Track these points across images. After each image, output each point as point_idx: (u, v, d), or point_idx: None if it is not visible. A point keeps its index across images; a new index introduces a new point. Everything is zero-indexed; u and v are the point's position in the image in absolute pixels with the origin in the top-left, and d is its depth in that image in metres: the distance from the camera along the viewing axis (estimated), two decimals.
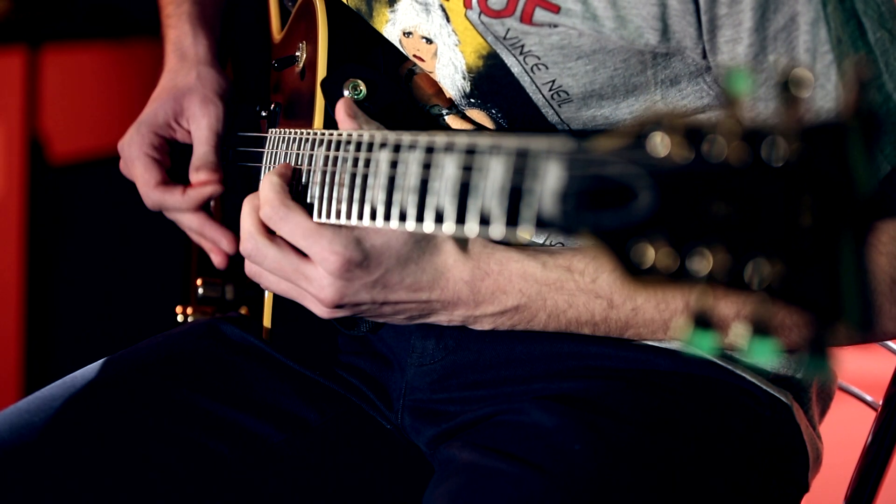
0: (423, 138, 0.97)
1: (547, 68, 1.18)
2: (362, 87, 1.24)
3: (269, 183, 1.19)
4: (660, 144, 0.69)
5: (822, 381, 1.38)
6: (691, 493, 1.19)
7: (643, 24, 1.11)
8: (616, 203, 0.70)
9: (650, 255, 0.68)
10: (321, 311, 1.17)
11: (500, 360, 1.30)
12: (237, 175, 1.48)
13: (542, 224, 0.78)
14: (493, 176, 0.84)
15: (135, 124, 1.47)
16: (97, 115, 3.03)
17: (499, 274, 1.17)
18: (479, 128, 1.29)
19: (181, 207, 1.42)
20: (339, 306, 1.16)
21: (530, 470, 1.13)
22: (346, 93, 1.23)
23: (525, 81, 1.20)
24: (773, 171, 0.65)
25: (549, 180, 0.77)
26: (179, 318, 1.59)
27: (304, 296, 1.18)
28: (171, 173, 1.46)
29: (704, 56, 1.14)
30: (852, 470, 1.48)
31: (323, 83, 1.25)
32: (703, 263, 0.67)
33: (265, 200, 1.18)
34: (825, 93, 1.09)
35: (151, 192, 1.43)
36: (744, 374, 1.27)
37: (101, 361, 1.35)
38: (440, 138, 0.94)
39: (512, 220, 0.82)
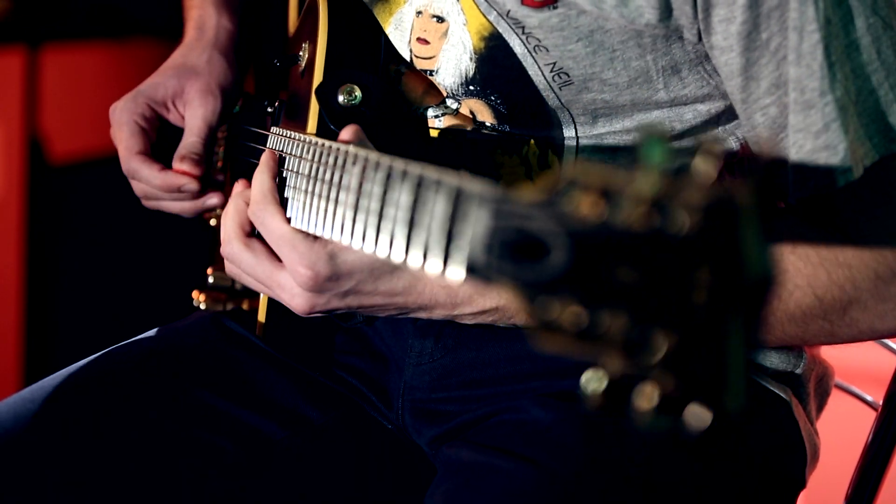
0: (384, 160, 0.98)
1: (548, 51, 1.18)
2: (357, 92, 1.24)
3: (257, 181, 1.22)
4: (575, 203, 0.69)
5: (819, 376, 1.38)
6: (687, 488, 1.19)
7: (644, 3, 1.11)
8: (533, 257, 0.70)
9: (556, 312, 0.68)
10: (296, 313, 1.20)
11: (499, 358, 1.30)
12: (241, 167, 1.48)
13: (471, 269, 0.79)
14: (436, 212, 0.85)
15: (132, 92, 1.46)
16: (97, 115, 3.01)
17: None
18: (476, 124, 1.28)
19: (152, 184, 1.42)
20: (311, 313, 1.18)
21: (524, 464, 1.14)
22: (341, 98, 1.24)
23: (528, 63, 1.20)
24: (672, 242, 0.65)
25: (478, 226, 0.78)
26: (195, 303, 1.60)
27: (279, 299, 1.20)
28: (155, 149, 1.46)
29: (700, 39, 1.14)
30: (852, 469, 1.48)
31: (318, 89, 1.25)
32: (604, 327, 0.67)
33: (252, 198, 1.21)
34: (810, 72, 1.08)
35: (131, 157, 1.43)
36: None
37: (104, 352, 1.36)
38: (398, 164, 0.95)
39: (446, 259, 0.83)
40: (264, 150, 1.36)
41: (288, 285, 1.17)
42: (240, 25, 1.56)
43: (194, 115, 1.44)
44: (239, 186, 1.28)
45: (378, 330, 1.40)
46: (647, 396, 0.66)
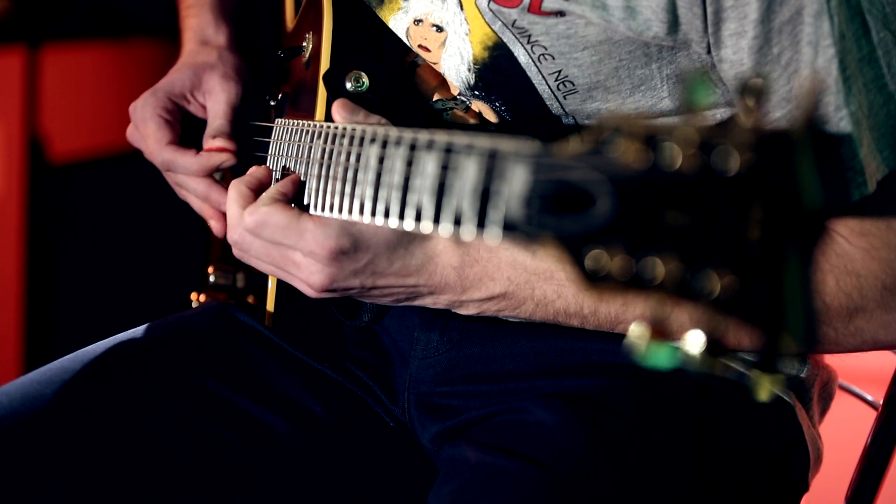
0: (407, 135, 0.97)
1: (553, 59, 1.18)
2: (365, 78, 1.24)
3: (236, 189, 1.21)
4: (620, 151, 0.68)
5: (823, 381, 1.38)
6: (692, 491, 1.19)
7: (652, 17, 1.11)
8: (576, 208, 0.69)
9: (605, 261, 0.68)
10: (310, 294, 1.19)
11: (503, 354, 1.30)
12: (247, 163, 1.48)
13: (508, 227, 0.77)
14: (467, 176, 0.84)
15: (150, 90, 1.47)
16: (97, 115, 3.03)
17: (487, 261, 1.18)
18: (483, 120, 1.29)
19: (191, 169, 1.42)
20: (328, 290, 1.18)
21: (531, 466, 1.13)
22: (348, 85, 1.24)
23: (532, 72, 1.20)
24: (723, 181, 0.65)
25: (515, 183, 0.76)
26: (194, 305, 1.60)
27: (292, 279, 1.20)
28: (182, 141, 1.46)
29: (709, 51, 1.13)
30: (852, 470, 1.48)
31: (325, 76, 1.25)
32: (655, 272, 0.66)
33: (248, 210, 1.19)
34: (825, 87, 1.08)
35: (163, 149, 1.43)
36: (747, 373, 1.27)
37: (113, 338, 1.36)
38: (423, 135, 0.94)
39: (481, 221, 0.81)
40: (270, 142, 1.36)
41: (305, 264, 1.16)
42: (237, 26, 1.57)
43: (217, 101, 1.45)
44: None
45: (384, 324, 1.40)
46: (694, 342, 0.66)
